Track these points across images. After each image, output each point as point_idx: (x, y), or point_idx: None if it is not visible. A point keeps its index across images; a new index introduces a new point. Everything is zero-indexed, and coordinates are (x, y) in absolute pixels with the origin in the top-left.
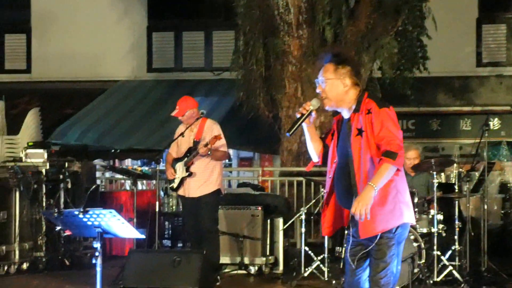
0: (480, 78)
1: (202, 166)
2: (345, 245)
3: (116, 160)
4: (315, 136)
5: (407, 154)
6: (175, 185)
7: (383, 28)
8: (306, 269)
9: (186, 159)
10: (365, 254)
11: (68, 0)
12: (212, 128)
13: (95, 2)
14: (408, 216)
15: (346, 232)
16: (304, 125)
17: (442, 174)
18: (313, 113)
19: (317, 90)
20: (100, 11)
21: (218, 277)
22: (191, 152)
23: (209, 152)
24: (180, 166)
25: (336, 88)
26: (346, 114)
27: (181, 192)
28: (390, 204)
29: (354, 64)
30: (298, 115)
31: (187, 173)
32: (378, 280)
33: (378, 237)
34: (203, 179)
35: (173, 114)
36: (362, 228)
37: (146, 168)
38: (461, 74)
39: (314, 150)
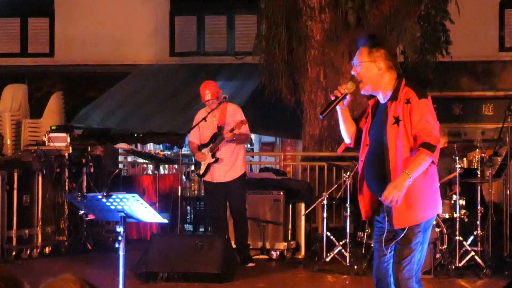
0: (503, 62)
1: (229, 151)
2: (367, 230)
3: (138, 144)
4: (349, 118)
5: None
6: (201, 171)
7: (406, 12)
8: (328, 254)
9: (211, 145)
10: (393, 240)
11: None
12: (235, 113)
13: None
14: (441, 206)
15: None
16: (337, 107)
17: (465, 159)
18: (348, 96)
19: (352, 72)
20: None
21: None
22: (216, 138)
23: (234, 138)
24: (205, 152)
25: (370, 71)
26: (382, 99)
27: (207, 178)
28: (430, 194)
29: (389, 46)
30: (333, 98)
31: (214, 159)
32: (401, 267)
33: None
34: (230, 164)
35: (208, 98)
36: (399, 218)
37: (169, 152)
38: (483, 59)
39: (346, 132)
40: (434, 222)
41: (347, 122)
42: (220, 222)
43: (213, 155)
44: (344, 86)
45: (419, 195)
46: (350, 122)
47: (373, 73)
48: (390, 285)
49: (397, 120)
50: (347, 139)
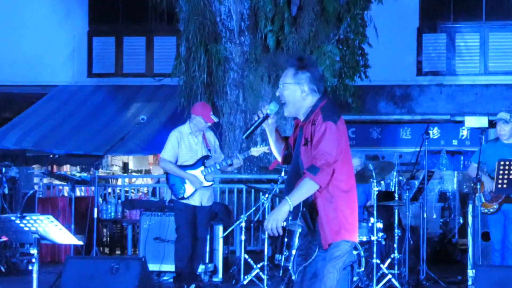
0: (420, 87)
1: (212, 175)
2: (285, 252)
3: (55, 166)
4: (279, 137)
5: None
6: (187, 194)
7: (325, 35)
8: (246, 277)
9: (206, 169)
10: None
11: (7, 4)
12: (214, 137)
13: (35, 6)
14: (348, 235)
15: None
16: (266, 128)
17: (382, 182)
18: (272, 116)
19: (277, 93)
20: (40, 14)
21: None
22: (205, 161)
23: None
24: (198, 174)
25: (293, 93)
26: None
27: (193, 202)
28: (332, 222)
29: (315, 70)
30: (256, 118)
31: (210, 183)
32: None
33: (316, 250)
34: (212, 188)
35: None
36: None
37: (85, 174)
38: (401, 83)
39: (276, 150)
40: None
41: (276, 140)
42: (190, 249)
43: (206, 178)
44: (267, 106)
45: (325, 219)
46: (279, 140)
47: (296, 96)
48: None
49: (306, 142)
50: (278, 157)
